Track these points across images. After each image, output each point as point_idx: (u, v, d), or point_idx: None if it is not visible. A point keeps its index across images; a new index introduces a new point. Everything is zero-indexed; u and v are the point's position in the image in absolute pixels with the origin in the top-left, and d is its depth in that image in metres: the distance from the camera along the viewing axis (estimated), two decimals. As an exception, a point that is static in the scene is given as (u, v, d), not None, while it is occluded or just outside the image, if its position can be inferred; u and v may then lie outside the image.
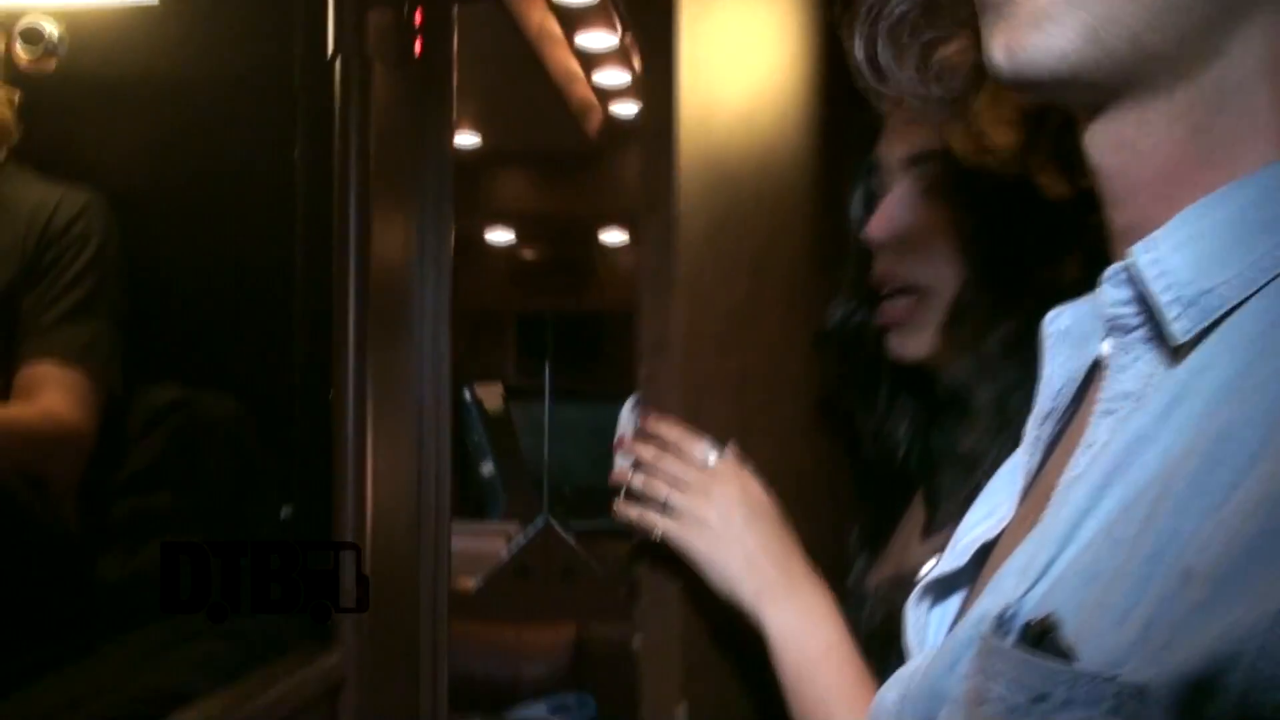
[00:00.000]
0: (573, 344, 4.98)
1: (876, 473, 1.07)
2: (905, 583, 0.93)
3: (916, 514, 1.01)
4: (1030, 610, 0.54)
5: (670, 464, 0.99)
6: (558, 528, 4.03)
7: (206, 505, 1.44)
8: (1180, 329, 0.54)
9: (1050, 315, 0.71)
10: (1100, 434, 0.60)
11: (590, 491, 4.93)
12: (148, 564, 1.36)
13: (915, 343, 0.93)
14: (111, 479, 1.43)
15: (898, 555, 1.02)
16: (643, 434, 1.02)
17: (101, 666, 1.16)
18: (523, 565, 3.93)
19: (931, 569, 0.79)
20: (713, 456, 0.98)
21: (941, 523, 0.90)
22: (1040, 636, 0.51)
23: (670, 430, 1.01)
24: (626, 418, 1.26)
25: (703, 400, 1.02)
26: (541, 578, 3.88)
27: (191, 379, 1.50)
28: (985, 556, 0.76)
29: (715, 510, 0.95)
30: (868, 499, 1.10)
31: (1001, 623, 0.54)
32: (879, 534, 1.05)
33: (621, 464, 1.03)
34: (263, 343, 1.53)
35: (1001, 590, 0.58)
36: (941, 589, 0.79)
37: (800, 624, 0.92)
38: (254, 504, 1.47)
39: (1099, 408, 0.61)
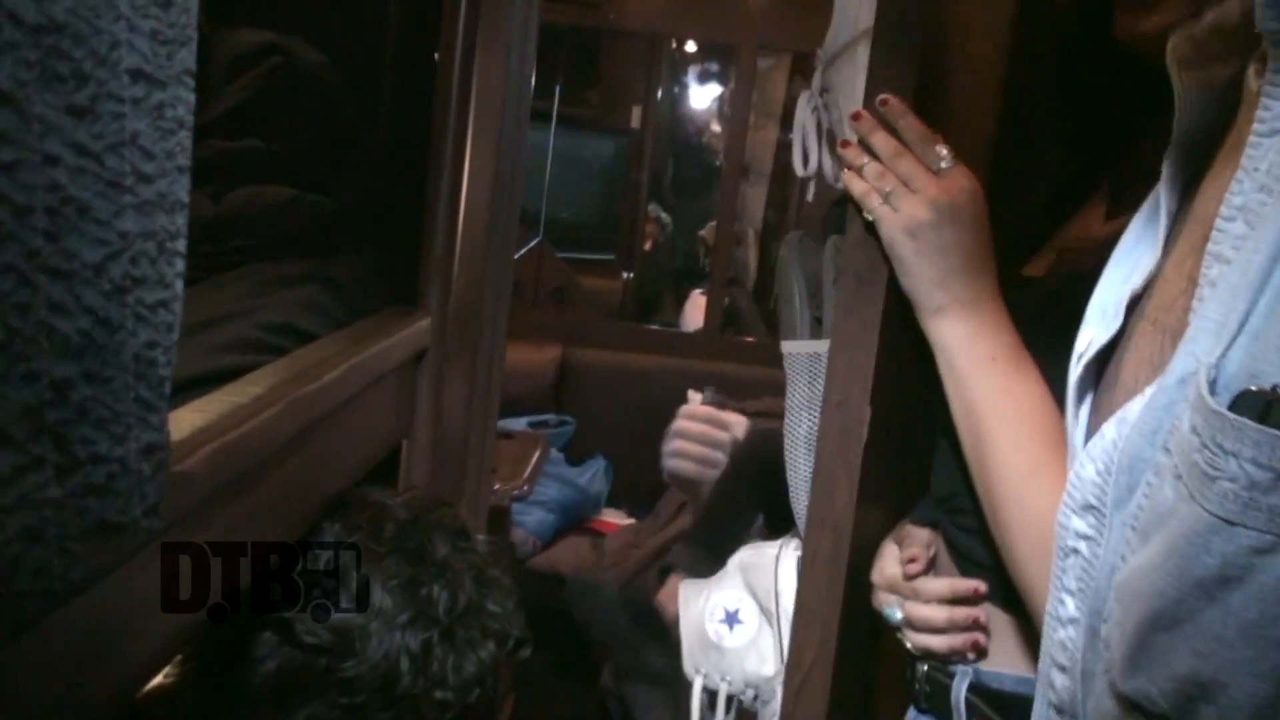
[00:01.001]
0: (581, 65, 4.83)
1: (1065, 163, 1.05)
2: (1086, 255, 0.93)
3: (1097, 204, 1.00)
4: (1235, 369, 0.51)
5: (905, 161, 0.96)
6: (551, 249, 4.02)
7: (296, 154, 1.40)
8: None
9: (1171, 44, 0.67)
10: (1265, 157, 0.56)
11: (582, 226, 4.93)
12: (236, 209, 1.34)
13: (1149, 22, 0.88)
14: (196, 119, 1.38)
15: (1075, 234, 1.00)
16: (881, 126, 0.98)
17: (214, 297, 1.15)
18: (515, 283, 3.94)
19: (1088, 346, 0.75)
20: (945, 163, 0.95)
21: (1125, 207, 0.88)
22: (1268, 408, 0.48)
23: (912, 127, 0.98)
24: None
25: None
26: (531, 297, 3.90)
27: (285, 28, 1.43)
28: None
29: (931, 218, 0.94)
30: (1055, 189, 1.08)
31: (1212, 387, 0.51)
32: (1057, 220, 1.04)
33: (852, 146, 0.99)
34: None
35: (1195, 351, 0.55)
36: (1102, 361, 0.75)
37: (970, 335, 0.93)
38: (345, 161, 1.44)
39: (1260, 127, 0.57)
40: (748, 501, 2.80)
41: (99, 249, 0.44)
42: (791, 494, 1.31)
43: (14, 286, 0.39)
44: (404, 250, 1.40)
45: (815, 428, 1.26)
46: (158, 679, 1.07)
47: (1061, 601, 0.67)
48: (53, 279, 0.41)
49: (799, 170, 1.31)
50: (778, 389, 3.98)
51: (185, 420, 0.78)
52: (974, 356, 0.92)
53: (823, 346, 1.24)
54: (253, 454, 0.85)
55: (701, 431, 2.69)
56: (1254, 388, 0.49)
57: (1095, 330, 0.72)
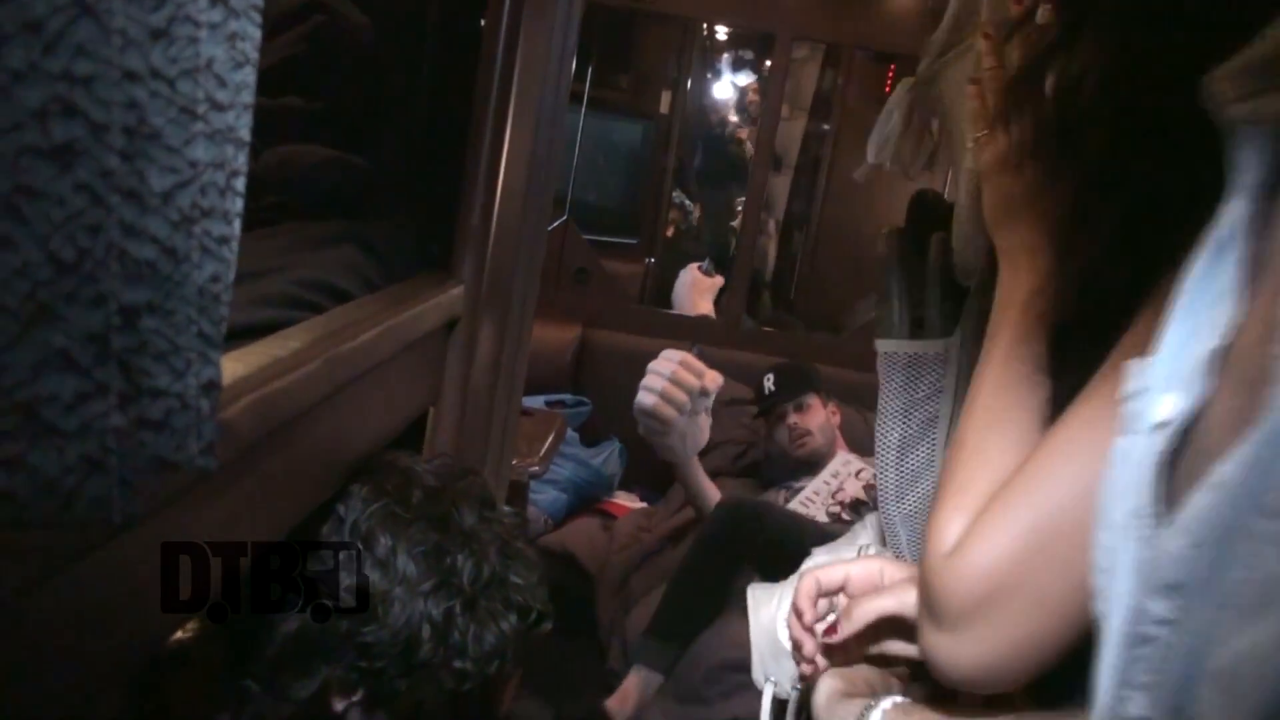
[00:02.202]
0: (614, 48, 4.81)
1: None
2: None
3: None
4: None
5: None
6: (576, 230, 4.00)
7: (336, 115, 1.38)
8: None
9: (1212, 88, 0.62)
10: None
11: (607, 209, 4.91)
12: (274, 166, 1.33)
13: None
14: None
15: None
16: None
17: (250, 252, 1.14)
18: (537, 262, 3.93)
19: (1175, 413, 0.66)
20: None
21: None
22: None
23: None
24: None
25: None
26: (554, 277, 3.89)
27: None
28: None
29: (1005, 154, 0.91)
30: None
31: None
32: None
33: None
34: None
35: None
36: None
37: (1011, 275, 0.90)
38: (385, 124, 1.43)
39: None
40: (726, 578, 2.77)
41: (168, 177, 0.43)
42: (881, 504, 1.26)
43: (87, 205, 0.38)
44: (440, 217, 1.38)
45: (908, 434, 1.20)
46: (179, 635, 1.06)
47: (1126, 699, 0.59)
48: (125, 200, 0.39)
49: (871, 156, 1.28)
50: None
51: (227, 369, 0.76)
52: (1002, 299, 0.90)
53: (925, 348, 1.18)
54: (291, 407, 0.84)
55: (674, 370, 2.76)
56: None
57: (1177, 397, 0.64)
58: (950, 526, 0.82)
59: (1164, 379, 0.66)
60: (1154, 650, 0.57)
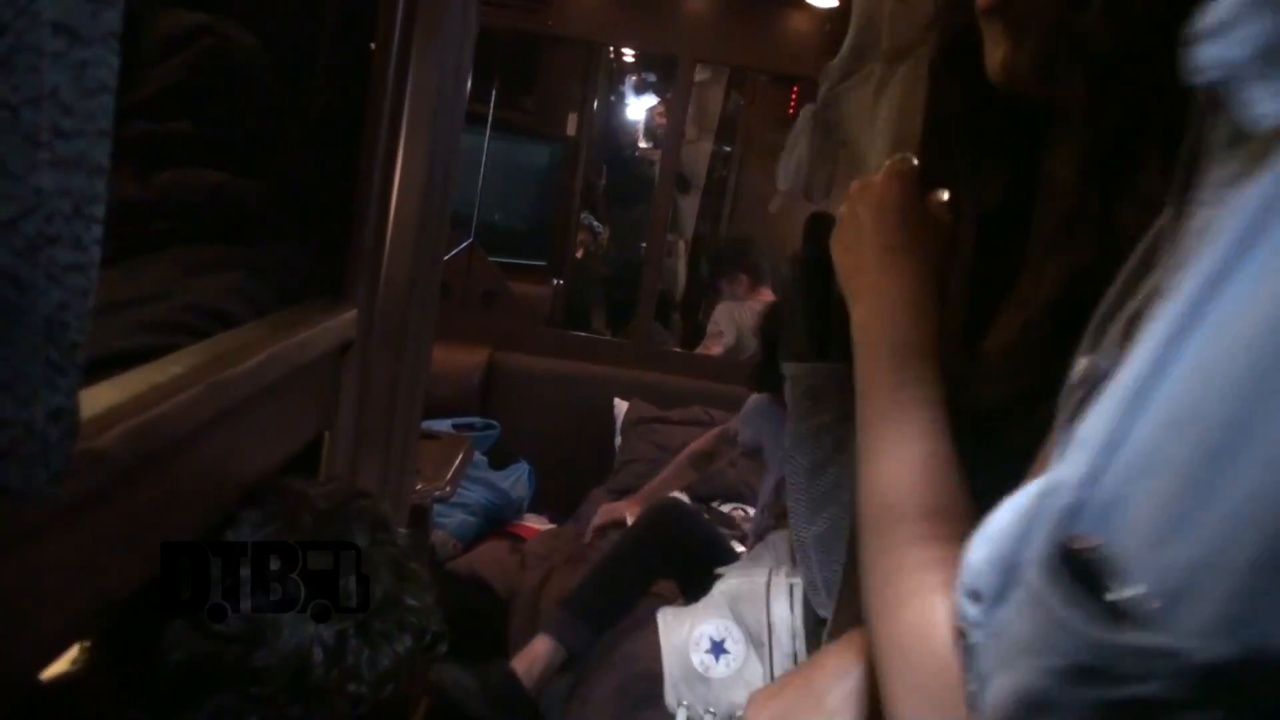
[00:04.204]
0: (519, 70, 4.82)
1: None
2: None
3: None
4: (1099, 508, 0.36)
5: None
6: (482, 252, 4.00)
7: (227, 139, 1.37)
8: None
9: None
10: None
11: (514, 231, 4.92)
12: (162, 191, 1.31)
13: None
14: (125, 99, 1.35)
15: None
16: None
17: (135, 278, 1.13)
18: (444, 284, 3.92)
19: None
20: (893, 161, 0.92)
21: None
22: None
23: None
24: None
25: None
26: (460, 299, 3.87)
27: (219, 10, 1.40)
28: None
29: (843, 210, 0.93)
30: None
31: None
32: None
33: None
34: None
35: (1071, 459, 0.39)
36: None
37: (870, 319, 0.85)
38: (276, 148, 1.42)
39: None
40: (648, 572, 2.82)
41: (11, 205, 0.43)
42: (793, 528, 1.25)
43: (-80, 234, 0.38)
44: (332, 241, 1.38)
45: (818, 458, 1.18)
46: (63, 666, 1.04)
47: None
48: (-38, 230, 0.40)
49: (781, 184, 1.28)
50: (703, 398, 4.01)
51: (100, 397, 0.76)
52: (867, 342, 0.84)
53: (830, 371, 1.17)
54: (168, 435, 0.83)
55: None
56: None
57: None
58: (937, 610, 0.64)
59: None
60: None
